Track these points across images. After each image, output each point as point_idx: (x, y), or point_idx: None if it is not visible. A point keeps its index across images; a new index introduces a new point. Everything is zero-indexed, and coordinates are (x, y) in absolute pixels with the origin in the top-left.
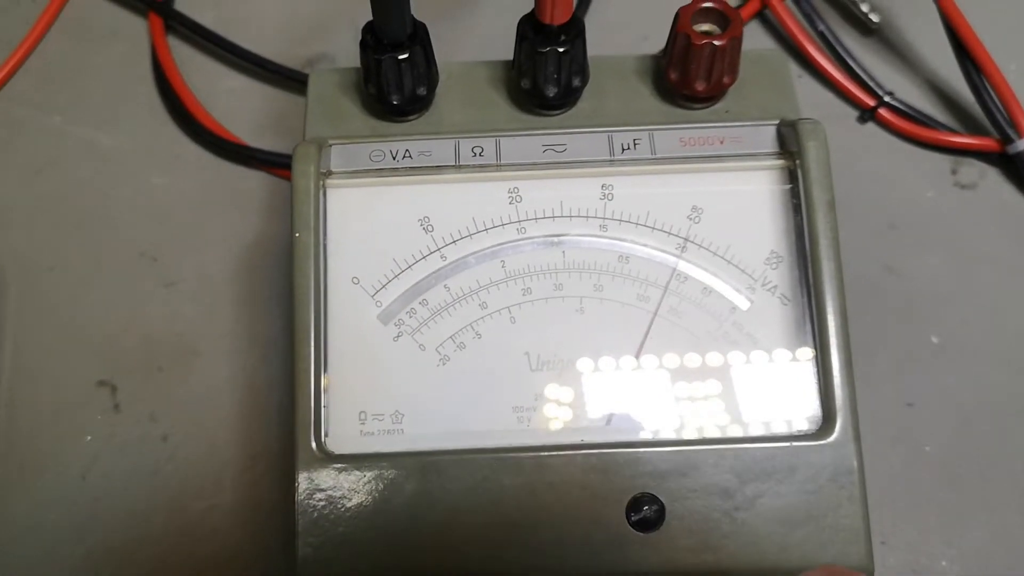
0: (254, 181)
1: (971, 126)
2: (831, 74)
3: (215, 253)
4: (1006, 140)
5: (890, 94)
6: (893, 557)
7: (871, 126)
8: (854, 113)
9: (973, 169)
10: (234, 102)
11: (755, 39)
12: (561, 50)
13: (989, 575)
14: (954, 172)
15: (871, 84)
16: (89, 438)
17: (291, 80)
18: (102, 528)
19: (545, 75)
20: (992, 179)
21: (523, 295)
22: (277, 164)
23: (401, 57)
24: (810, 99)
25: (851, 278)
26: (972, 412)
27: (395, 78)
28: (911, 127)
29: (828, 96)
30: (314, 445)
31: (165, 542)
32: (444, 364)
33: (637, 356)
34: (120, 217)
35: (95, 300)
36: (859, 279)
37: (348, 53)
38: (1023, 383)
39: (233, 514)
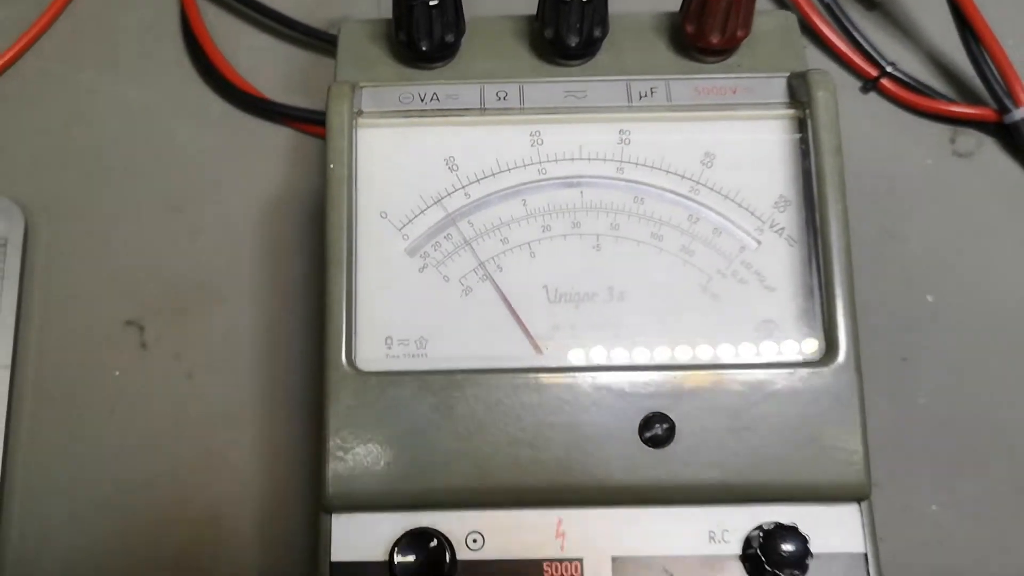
0: (277, 136)
1: (969, 97)
2: (835, 44)
3: (239, 204)
4: (1003, 110)
5: (892, 65)
6: (886, 500)
7: (873, 96)
8: (857, 83)
9: (971, 138)
10: (259, 60)
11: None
12: (584, 0)
13: (976, 520)
14: (952, 141)
15: (874, 55)
16: (117, 374)
17: (315, 39)
18: (128, 459)
19: (568, 24)
20: (989, 148)
21: (543, 232)
22: (300, 119)
23: (432, 3)
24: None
25: (851, 240)
26: (964, 367)
27: (425, 24)
28: (912, 97)
29: (832, 66)
30: (344, 362)
31: (188, 473)
32: (467, 295)
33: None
34: (148, 169)
35: (124, 247)
36: (859, 241)
37: (369, 16)
38: (1013, 341)
39: (253, 447)
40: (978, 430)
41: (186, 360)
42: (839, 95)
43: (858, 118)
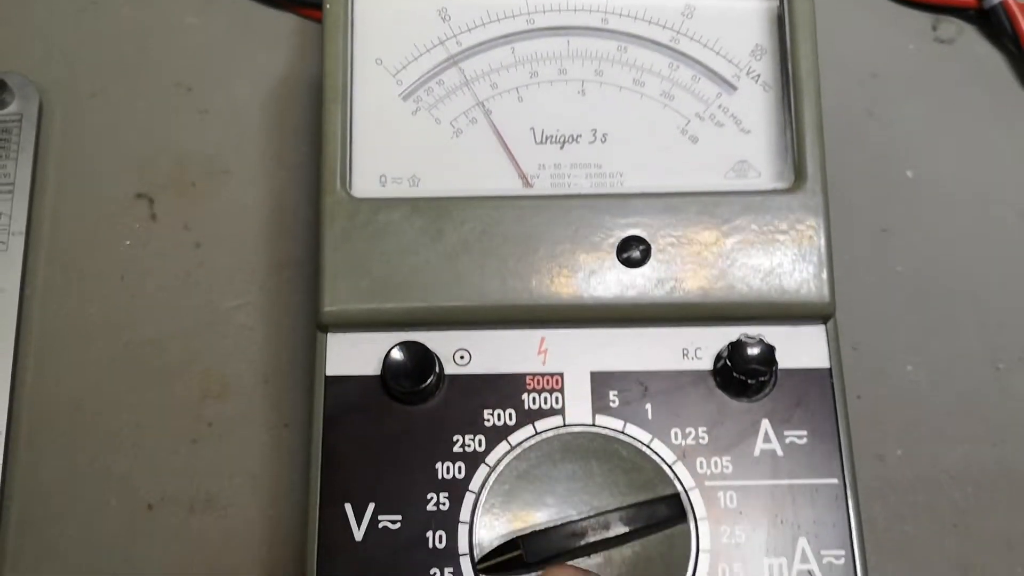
0: (282, 21)
1: None
2: None
3: (246, 86)
4: None
5: None
6: (863, 361)
7: None
8: None
9: (952, 25)
10: None
11: None
12: None
13: (948, 380)
14: (934, 28)
15: None
16: (128, 243)
17: None
18: (138, 323)
19: None
20: (969, 35)
21: (530, 78)
22: (305, 4)
23: None
24: None
25: (834, 119)
26: (941, 238)
27: None
28: None
29: None
30: (339, 187)
31: (196, 336)
32: (458, 136)
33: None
34: (157, 53)
35: (134, 124)
36: (841, 122)
37: None
38: (989, 215)
39: (260, 312)
40: (952, 296)
41: (194, 230)
42: None
43: (843, 6)
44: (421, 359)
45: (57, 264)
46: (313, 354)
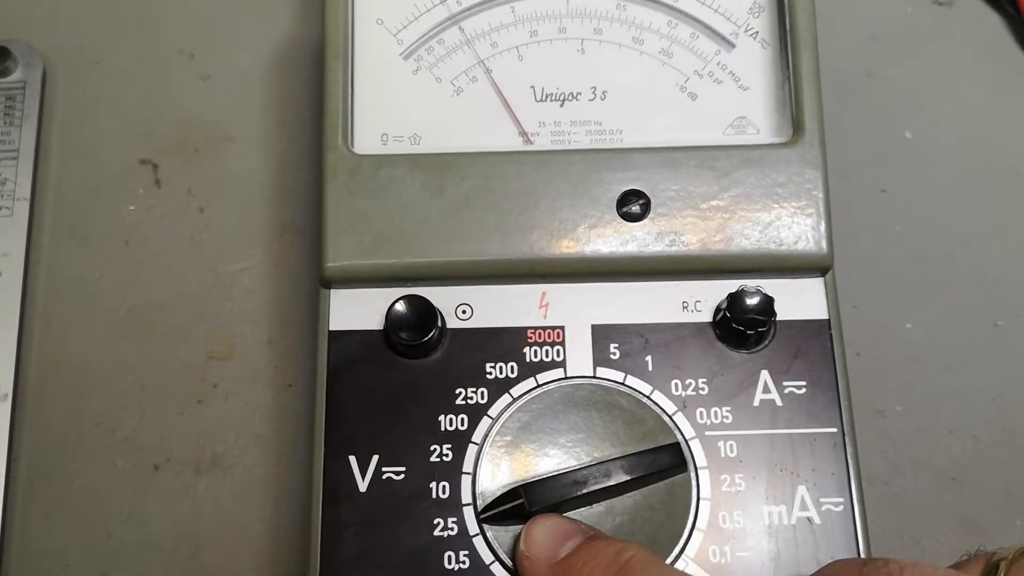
0: None
1: None
2: None
3: (249, 52)
4: None
5: None
6: (863, 318)
7: None
8: None
9: None
10: None
11: None
12: None
13: (947, 336)
14: None
15: None
16: (132, 207)
17: None
18: (142, 287)
19: None
20: None
21: (530, 36)
22: None
23: None
24: None
25: (833, 81)
26: (939, 198)
27: None
28: None
29: None
30: (341, 143)
31: (200, 299)
32: (458, 95)
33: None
34: (159, 19)
35: (137, 90)
36: (841, 83)
37: None
38: (987, 175)
39: (264, 275)
40: (951, 256)
41: (198, 195)
42: None
43: None
44: (423, 312)
45: (62, 229)
46: (317, 314)
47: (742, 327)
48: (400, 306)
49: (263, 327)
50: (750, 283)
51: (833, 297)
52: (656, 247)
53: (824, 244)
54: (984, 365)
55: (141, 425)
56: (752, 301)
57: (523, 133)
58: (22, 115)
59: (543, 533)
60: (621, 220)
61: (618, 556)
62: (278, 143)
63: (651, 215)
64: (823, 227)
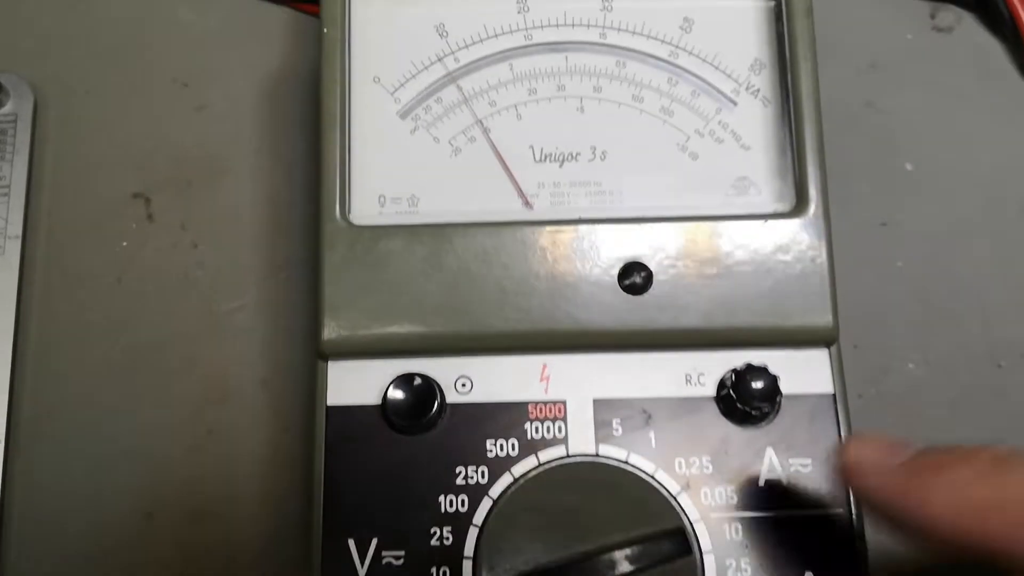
0: (279, 17)
1: None
2: None
3: (242, 81)
4: None
5: None
6: (864, 359)
7: None
8: None
9: (950, 14)
10: None
11: None
12: None
13: (950, 376)
14: (932, 16)
15: None
16: (125, 243)
17: None
18: (136, 326)
19: None
20: (968, 23)
21: (529, 95)
22: None
23: None
24: None
25: (832, 112)
26: (941, 232)
27: None
28: None
29: None
30: (338, 215)
31: (195, 339)
32: (456, 155)
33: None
34: (151, 48)
35: (130, 121)
36: (840, 113)
37: None
38: (990, 207)
39: (259, 313)
40: (953, 293)
41: (191, 230)
42: None
43: None
44: (421, 392)
45: (54, 267)
46: (313, 375)
47: (747, 408)
48: (397, 390)
49: (258, 368)
50: (754, 356)
51: (839, 370)
52: (659, 320)
53: (829, 316)
54: (987, 406)
55: (134, 471)
56: (757, 384)
57: (522, 196)
58: (13, 149)
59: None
60: (623, 292)
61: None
62: (272, 176)
63: (653, 287)
64: (828, 300)
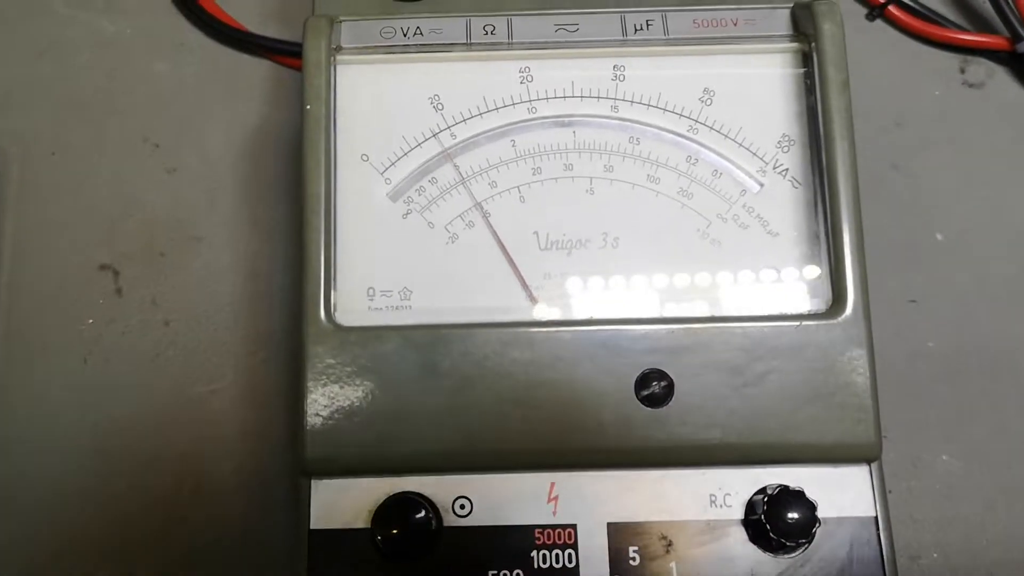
0: (257, 69)
1: (981, 24)
2: None
3: (217, 140)
4: (1016, 38)
5: None
6: (894, 451)
7: (880, 23)
8: (863, 10)
9: (981, 68)
10: None
11: None
12: None
13: (988, 469)
14: (962, 71)
15: None
16: (91, 321)
17: None
18: (104, 412)
19: None
20: (1000, 78)
21: (533, 175)
22: (281, 51)
23: None
24: None
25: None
26: (975, 308)
27: None
28: (920, 24)
29: None
30: (323, 316)
31: (168, 425)
32: (453, 242)
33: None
34: (122, 103)
35: (97, 184)
36: (864, 176)
37: None
38: None
39: (236, 398)
40: (990, 374)
41: (163, 306)
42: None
43: (863, 47)
44: (415, 516)
45: (16, 347)
46: (296, 497)
47: (781, 538)
48: (389, 509)
49: (235, 455)
50: (786, 474)
51: (881, 489)
52: (680, 435)
53: (872, 432)
54: None
55: (101, 567)
56: (794, 514)
57: (526, 287)
58: None
59: None
60: (640, 404)
61: None
62: (251, 243)
63: (674, 398)
64: (871, 412)
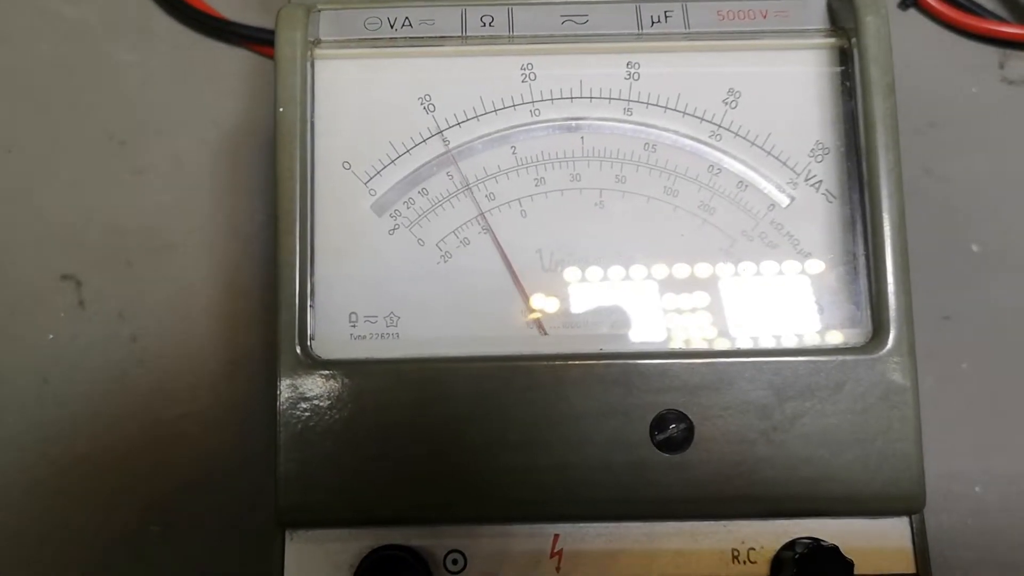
0: (234, 59)
1: (1022, 15)
2: None
3: (190, 138)
4: None
5: None
6: (927, 480)
7: (913, 13)
8: None
9: (1022, 63)
10: None
11: None
12: None
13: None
14: (1001, 66)
15: None
16: (51, 336)
17: None
18: (67, 435)
19: None
20: None
21: (536, 186)
22: (260, 40)
23: None
24: None
25: None
26: (1013, 327)
27: None
28: (957, 15)
29: None
30: (298, 349)
31: (135, 452)
32: (445, 261)
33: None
34: (85, 96)
35: (58, 186)
36: None
37: None
38: None
39: (210, 423)
40: None
41: (130, 320)
42: None
43: (896, 38)
44: (402, 572)
45: None
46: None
47: None
48: (373, 564)
49: (209, 490)
50: (816, 526)
51: (922, 545)
52: (700, 483)
53: (916, 482)
54: None
55: None
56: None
57: (531, 313)
58: None
59: None
60: (656, 450)
61: None
62: (227, 253)
63: (694, 443)
64: (914, 459)
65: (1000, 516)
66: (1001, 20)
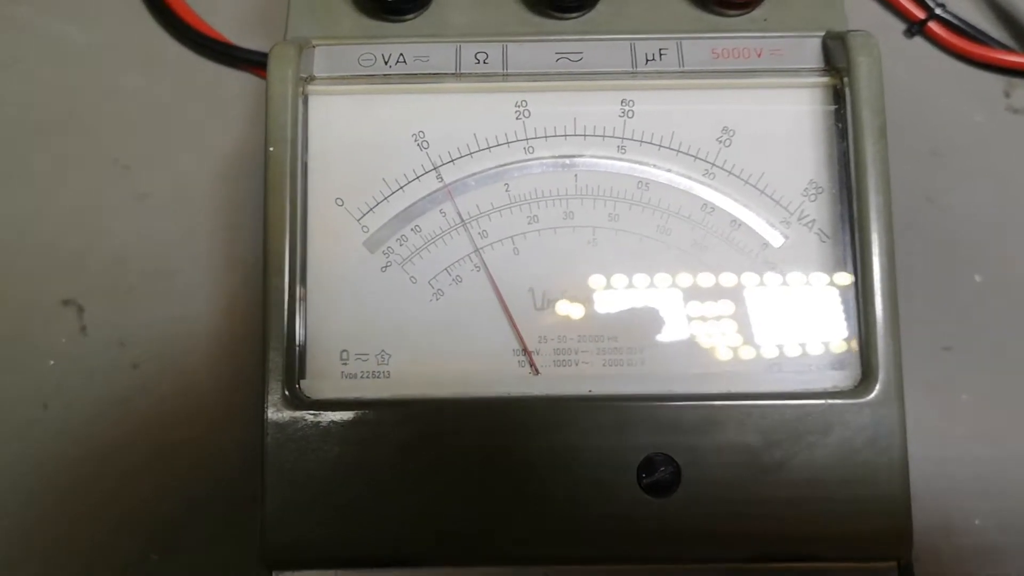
0: (238, 83)
1: None
2: None
3: (194, 162)
4: None
5: (941, 6)
6: (924, 515)
7: (919, 41)
8: (901, 26)
9: None
10: None
11: None
12: None
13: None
14: (1007, 95)
15: None
16: (52, 363)
17: None
18: (67, 462)
19: None
20: None
21: (528, 224)
22: (263, 64)
23: None
24: (854, 9)
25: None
26: (1015, 358)
27: None
28: (963, 43)
29: (873, 6)
30: (286, 389)
31: (136, 479)
32: (438, 299)
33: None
34: (90, 121)
35: (61, 211)
36: (896, 211)
37: None
38: None
39: (211, 451)
40: None
41: (132, 347)
42: (879, 39)
43: (901, 66)
44: None
45: None
46: None
47: None
48: None
49: (209, 519)
50: (806, 571)
51: None
52: (687, 527)
53: (903, 528)
54: None
55: None
56: None
57: (525, 353)
58: None
59: None
60: (643, 493)
61: None
62: (230, 278)
63: (681, 486)
64: (902, 504)
65: (999, 549)
66: (1007, 49)
